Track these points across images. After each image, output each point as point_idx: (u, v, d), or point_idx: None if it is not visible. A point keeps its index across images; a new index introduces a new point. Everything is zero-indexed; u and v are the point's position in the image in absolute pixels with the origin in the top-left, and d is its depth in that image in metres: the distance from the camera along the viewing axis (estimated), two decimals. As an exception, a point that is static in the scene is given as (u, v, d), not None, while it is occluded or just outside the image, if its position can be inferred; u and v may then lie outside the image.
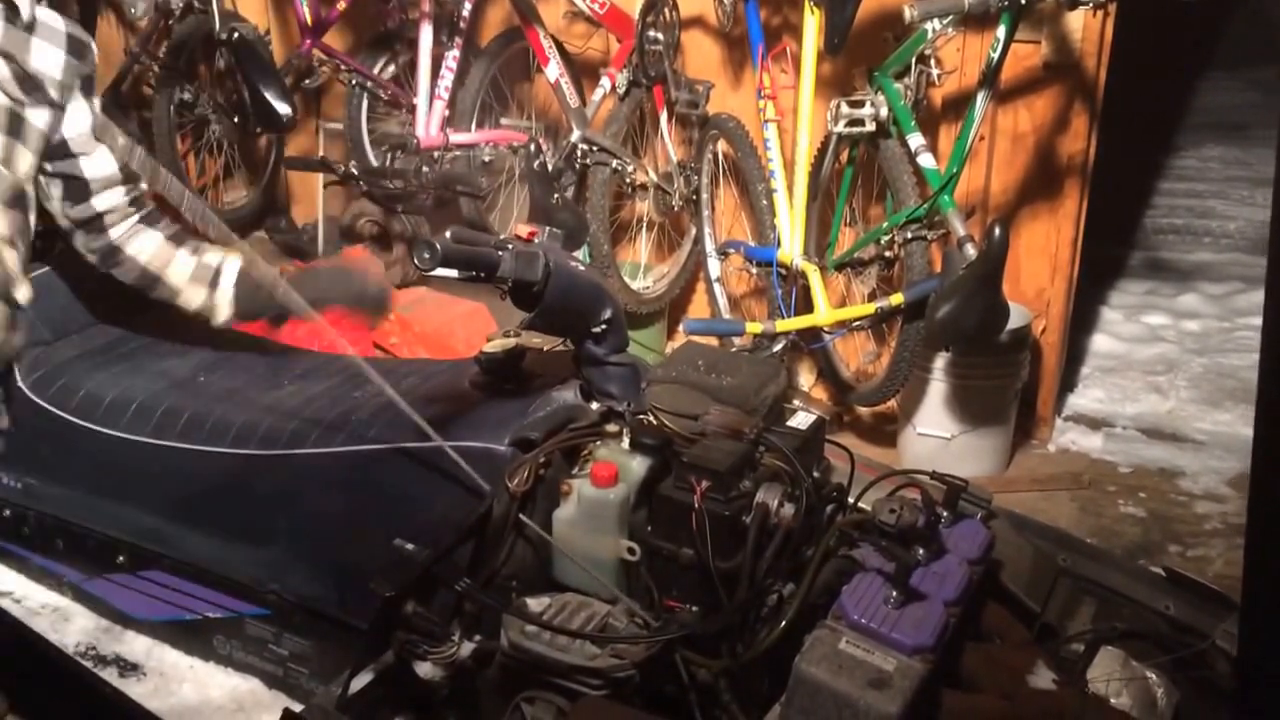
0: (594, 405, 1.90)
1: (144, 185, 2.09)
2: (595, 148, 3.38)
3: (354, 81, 3.66)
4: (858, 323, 3.04)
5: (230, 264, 2.09)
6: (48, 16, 1.96)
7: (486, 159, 3.55)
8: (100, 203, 2.04)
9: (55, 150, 1.97)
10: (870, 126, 2.89)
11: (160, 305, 2.16)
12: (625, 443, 1.76)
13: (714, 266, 3.59)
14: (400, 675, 1.63)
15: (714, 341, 3.14)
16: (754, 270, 3.29)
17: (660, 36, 3.34)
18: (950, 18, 2.70)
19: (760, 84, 3.17)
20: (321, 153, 4.09)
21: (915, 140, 2.84)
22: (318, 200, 4.07)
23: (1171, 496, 3.24)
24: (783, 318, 3.11)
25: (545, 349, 2.10)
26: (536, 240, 1.74)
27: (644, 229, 3.72)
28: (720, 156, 3.55)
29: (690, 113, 3.48)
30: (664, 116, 3.46)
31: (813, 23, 2.97)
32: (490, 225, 3.62)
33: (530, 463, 1.75)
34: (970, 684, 1.59)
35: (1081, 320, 3.97)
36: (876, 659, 1.41)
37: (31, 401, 2.18)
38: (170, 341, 2.36)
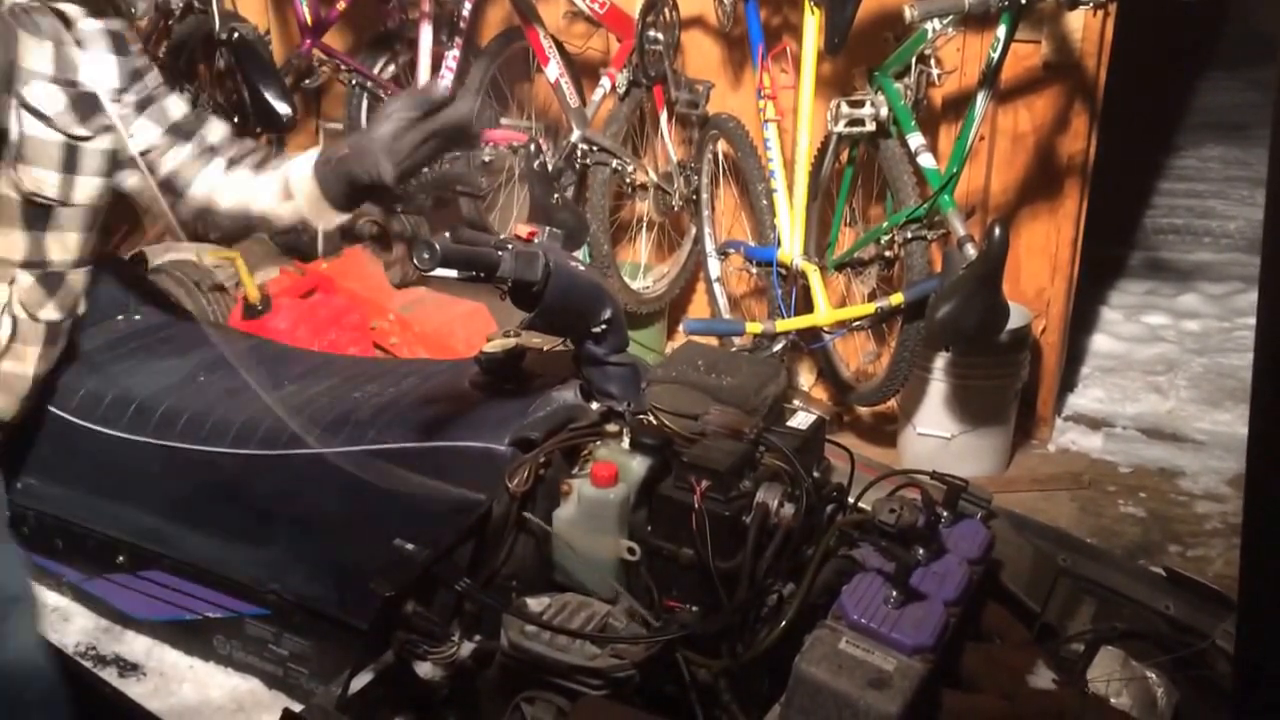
0: (594, 405, 1.90)
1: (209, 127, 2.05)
2: (595, 148, 3.38)
3: (354, 81, 3.66)
4: (858, 323, 3.04)
5: (297, 165, 1.91)
6: (85, 23, 1.93)
7: (486, 159, 3.55)
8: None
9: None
10: (870, 126, 2.89)
11: (161, 305, 2.16)
12: (625, 443, 1.76)
13: (714, 266, 3.59)
14: (400, 675, 1.63)
15: (714, 341, 3.14)
16: (754, 270, 3.29)
17: (660, 36, 3.34)
18: (950, 18, 2.69)
19: (760, 84, 3.17)
20: (321, 152, 4.08)
21: (915, 140, 2.84)
22: (318, 200, 4.06)
23: (1171, 496, 3.24)
24: (783, 318, 3.11)
25: (545, 349, 2.11)
26: (536, 240, 1.74)
27: (644, 229, 3.72)
28: (720, 156, 3.55)
29: (690, 113, 3.48)
30: (664, 116, 3.46)
31: (813, 23, 2.97)
32: (490, 225, 3.62)
33: (530, 463, 1.75)
34: (970, 684, 1.59)
35: (1081, 320, 3.97)
36: (876, 659, 1.41)
37: (31, 401, 2.18)
38: (170, 341, 2.37)
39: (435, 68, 3.53)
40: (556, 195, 3.24)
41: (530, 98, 3.86)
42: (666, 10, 3.36)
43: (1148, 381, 3.91)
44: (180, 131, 2.01)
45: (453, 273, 1.60)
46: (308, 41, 3.63)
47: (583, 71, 3.61)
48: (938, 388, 3.20)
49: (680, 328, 3.67)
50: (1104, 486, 3.28)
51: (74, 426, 2.14)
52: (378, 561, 1.68)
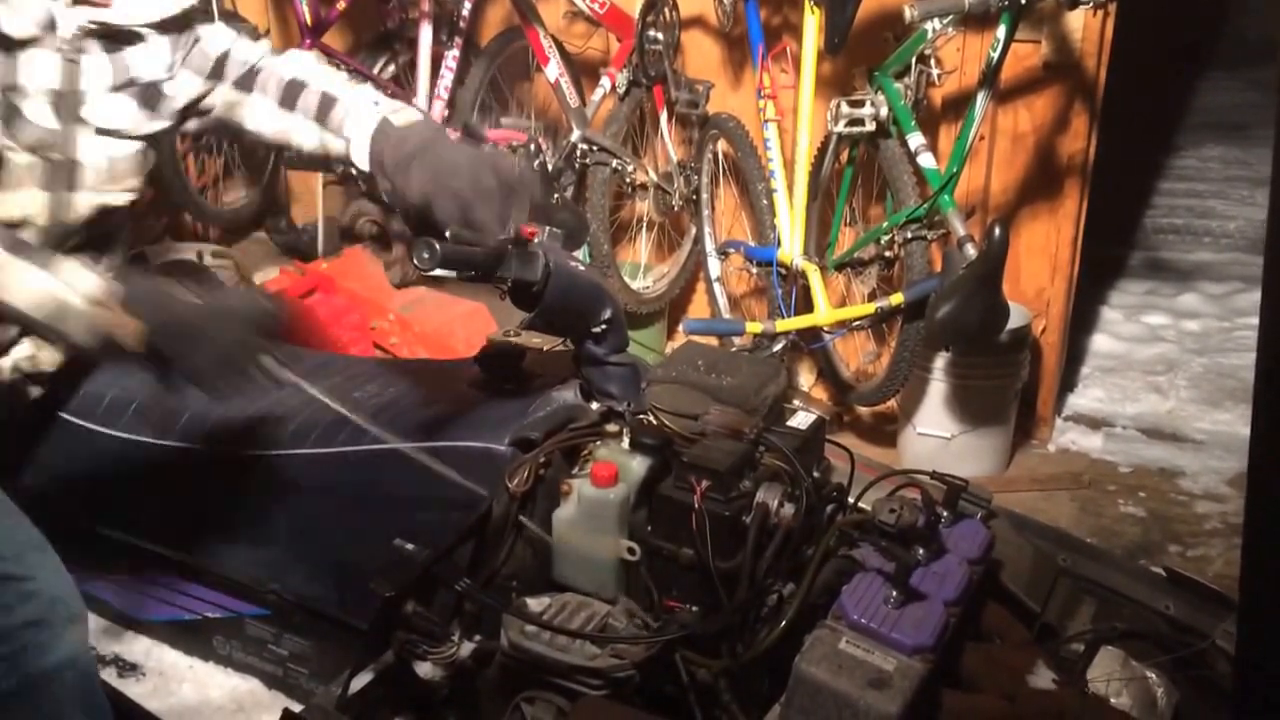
0: (594, 405, 1.90)
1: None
2: (595, 147, 3.38)
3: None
4: (858, 323, 3.04)
5: (354, 119, 1.78)
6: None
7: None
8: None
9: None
10: (870, 126, 2.89)
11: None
12: (625, 443, 1.76)
13: (714, 266, 3.59)
14: (400, 675, 1.63)
15: (714, 341, 3.14)
16: (754, 270, 3.29)
17: (660, 36, 3.34)
18: (950, 17, 2.69)
19: (760, 84, 3.17)
20: (321, 152, 4.08)
21: (915, 140, 2.84)
22: (317, 200, 4.06)
23: (1171, 496, 3.24)
24: (783, 317, 3.11)
25: (545, 349, 2.11)
26: (536, 240, 1.74)
27: (644, 229, 3.72)
28: (720, 156, 3.55)
29: (690, 112, 3.47)
30: (664, 116, 3.46)
31: (813, 22, 2.97)
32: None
33: (530, 463, 1.75)
34: (970, 684, 1.59)
35: (1081, 320, 3.97)
36: (876, 659, 1.41)
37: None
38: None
39: (435, 68, 3.53)
40: (556, 195, 3.24)
41: (530, 97, 3.86)
42: (666, 10, 3.36)
43: (1148, 381, 3.91)
44: (219, 72, 1.89)
45: (452, 273, 1.60)
46: (307, 41, 3.62)
47: (583, 71, 3.61)
48: (938, 388, 3.20)
49: (680, 328, 3.67)
50: (1104, 486, 3.28)
51: (73, 426, 2.14)
52: (377, 561, 1.68)
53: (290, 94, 1.86)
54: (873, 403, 3.29)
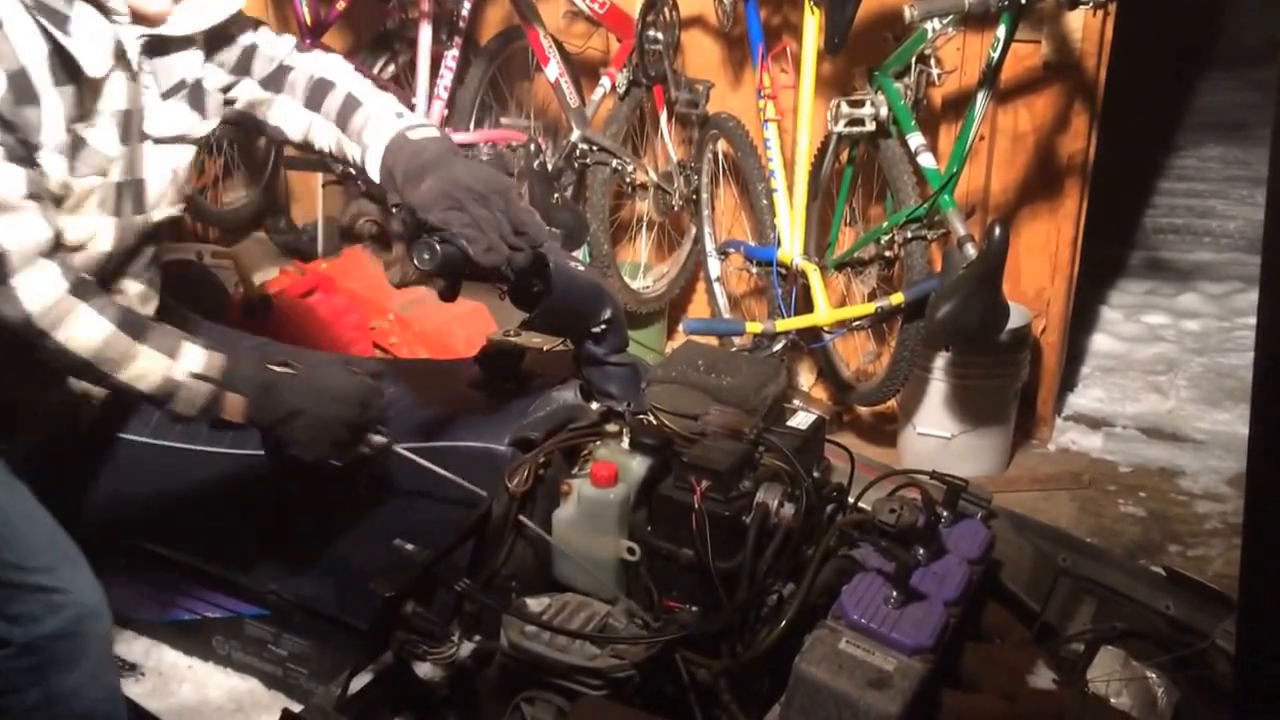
0: (594, 405, 1.90)
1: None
2: (595, 147, 3.38)
3: (353, 81, 3.66)
4: (858, 322, 3.04)
5: (372, 128, 1.79)
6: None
7: (486, 159, 3.55)
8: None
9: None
10: (870, 126, 2.89)
11: (162, 305, 2.15)
12: (625, 443, 1.76)
13: (714, 266, 3.59)
14: (400, 675, 1.63)
15: (714, 341, 3.14)
16: (754, 270, 3.29)
17: (660, 36, 3.34)
18: (950, 17, 2.70)
19: (760, 84, 3.17)
20: (321, 152, 4.08)
21: (915, 140, 2.84)
22: (317, 200, 4.06)
23: (1171, 496, 3.24)
24: (783, 317, 3.11)
25: (545, 349, 2.11)
26: (536, 241, 1.73)
27: (644, 229, 3.72)
28: (720, 156, 3.55)
29: (690, 112, 3.47)
30: (664, 116, 3.46)
31: (813, 22, 2.97)
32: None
33: (530, 463, 1.75)
34: (970, 684, 1.59)
35: (1081, 320, 3.97)
36: (876, 659, 1.41)
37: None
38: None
39: (435, 67, 3.52)
40: (556, 195, 3.24)
41: (530, 97, 3.86)
42: (666, 10, 3.36)
43: (1148, 381, 3.91)
44: (245, 66, 1.89)
45: (451, 279, 1.60)
46: (307, 41, 3.60)
47: (583, 71, 3.61)
48: (938, 387, 3.20)
49: (680, 328, 3.67)
50: (1104, 486, 3.28)
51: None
52: (377, 561, 1.68)
53: (317, 94, 1.87)
54: (873, 403, 3.29)
